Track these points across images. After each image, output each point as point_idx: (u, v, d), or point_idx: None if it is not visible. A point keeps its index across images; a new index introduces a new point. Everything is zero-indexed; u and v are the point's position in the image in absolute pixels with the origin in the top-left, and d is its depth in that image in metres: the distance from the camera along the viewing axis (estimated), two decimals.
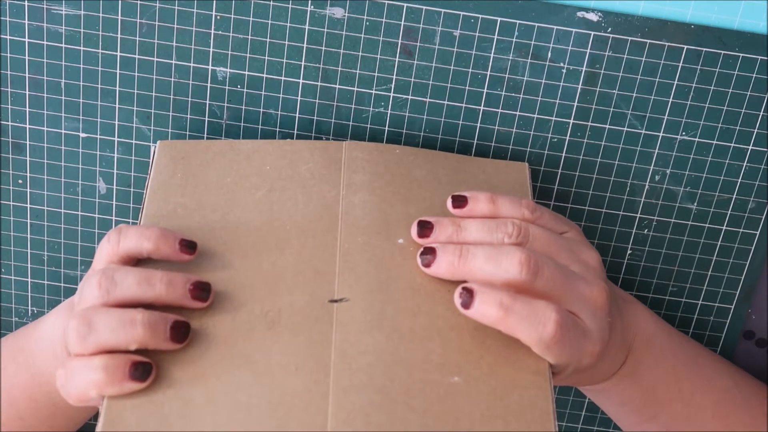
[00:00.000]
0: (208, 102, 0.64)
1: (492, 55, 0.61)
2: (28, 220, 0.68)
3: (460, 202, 0.57)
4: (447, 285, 0.54)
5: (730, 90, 0.62)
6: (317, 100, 0.64)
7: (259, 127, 0.65)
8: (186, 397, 0.48)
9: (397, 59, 0.62)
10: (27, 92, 0.64)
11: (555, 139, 0.64)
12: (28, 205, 0.68)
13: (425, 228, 0.55)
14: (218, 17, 0.61)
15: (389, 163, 0.61)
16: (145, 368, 0.48)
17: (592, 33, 0.61)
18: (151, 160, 0.62)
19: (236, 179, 0.59)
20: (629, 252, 0.68)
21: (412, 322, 0.52)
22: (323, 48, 0.62)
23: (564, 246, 0.56)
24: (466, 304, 0.51)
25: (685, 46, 0.60)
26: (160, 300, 0.51)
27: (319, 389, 0.48)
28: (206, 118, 0.65)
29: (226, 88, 0.64)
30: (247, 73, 0.63)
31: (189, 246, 0.53)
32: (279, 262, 0.54)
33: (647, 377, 0.61)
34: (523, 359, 0.51)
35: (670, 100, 0.62)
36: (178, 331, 0.50)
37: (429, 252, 0.54)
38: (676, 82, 0.62)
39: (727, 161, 0.64)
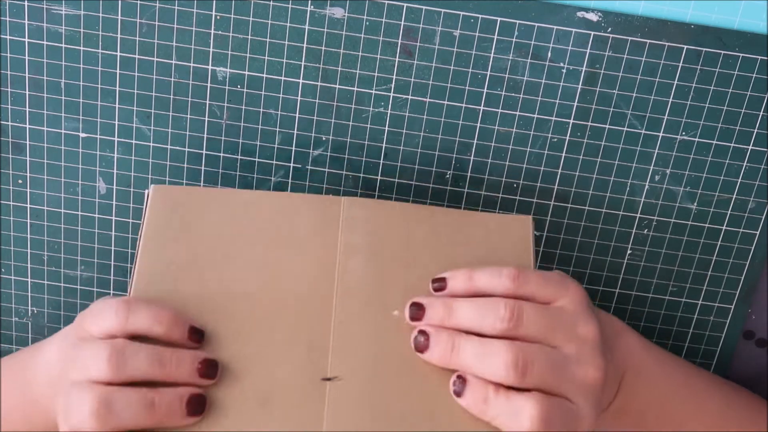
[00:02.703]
0: (208, 102, 0.64)
1: (492, 55, 0.62)
2: (28, 220, 0.69)
3: (440, 283, 0.57)
4: (438, 372, 0.54)
5: (730, 90, 0.62)
6: (317, 100, 0.64)
7: (259, 127, 0.65)
8: None
9: (397, 59, 0.62)
10: (27, 92, 0.64)
11: (555, 139, 0.64)
12: (28, 205, 0.68)
13: (418, 309, 0.55)
14: (218, 17, 0.61)
15: (388, 222, 0.60)
16: None
17: (592, 33, 0.61)
18: (144, 205, 0.60)
19: (232, 235, 0.58)
20: (629, 252, 0.68)
21: (403, 403, 0.52)
22: (323, 48, 0.62)
23: (559, 324, 0.54)
24: (459, 393, 0.52)
25: (685, 46, 0.61)
26: (169, 378, 0.51)
27: None
28: (206, 118, 0.65)
29: (226, 88, 0.64)
30: (247, 73, 0.63)
31: (197, 334, 0.53)
32: (273, 335, 0.54)
33: (637, 409, 0.61)
34: None
35: (670, 100, 0.62)
36: (195, 406, 0.51)
37: (422, 336, 0.54)
38: (676, 82, 0.62)
39: (727, 161, 0.64)
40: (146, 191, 0.60)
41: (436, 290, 0.56)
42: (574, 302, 0.56)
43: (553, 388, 0.53)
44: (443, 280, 0.56)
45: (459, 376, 0.53)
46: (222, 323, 0.54)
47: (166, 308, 0.53)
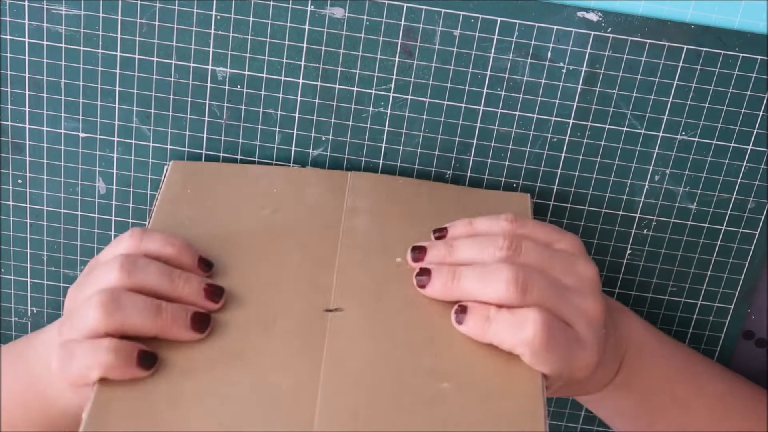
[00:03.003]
0: (208, 102, 0.64)
1: (492, 55, 0.62)
2: (28, 220, 0.68)
3: (440, 231, 0.58)
4: (442, 301, 0.54)
5: (730, 90, 0.62)
6: (317, 100, 0.64)
7: (259, 127, 0.65)
8: (175, 388, 0.49)
9: (397, 59, 0.62)
10: (27, 92, 0.64)
11: (555, 139, 0.64)
12: (28, 205, 0.68)
13: (419, 252, 0.56)
14: (218, 17, 0.61)
15: (392, 192, 0.62)
16: (152, 358, 0.49)
17: (592, 33, 0.61)
18: (162, 178, 0.63)
19: (243, 198, 0.61)
20: (629, 252, 0.68)
21: (405, 333, 0.52)
22: (323, 48, 0.62)
23: (557, 259, 0.55)
24: (460, 322, 0.52)
25: (685, 46, 0.61)
26: (176, 294, 0.52)
27: (307, 388, 0.49)
28: (206, 118, 0.65)
29: (226, 88, 0.64)
30: (247, 73, 0.63)
31: (207, 264, 0.55)
32: (277, 273, 0.55)
33: (640, 386, 0.61)
34: (516, 369, 0.51)
35: (670, 100, 0.62)
36: (199, 322, 0.51)
37: (424, 273, 0.55)
38: (675, 82, 0.62)
39: (726, 161, 0.64)
40: (165, 166, 0.64)
41: (437, 239, 0.58)
42: (573, 246, 0.57)
43: (555, 308, 0.52)
44: (444, 228, 0.58)
45: (460, 306, 0.53)
46: (228, 261, 0.56)
47: (178, 236, 0.55)
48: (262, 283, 0.55)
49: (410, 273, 0.55)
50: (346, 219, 0.59)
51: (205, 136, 0.65)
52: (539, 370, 0.51)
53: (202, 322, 0.51)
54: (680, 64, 0.61)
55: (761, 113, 0.62)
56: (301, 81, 0.63)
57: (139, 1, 0.61)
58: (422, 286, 0.54)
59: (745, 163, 0.64)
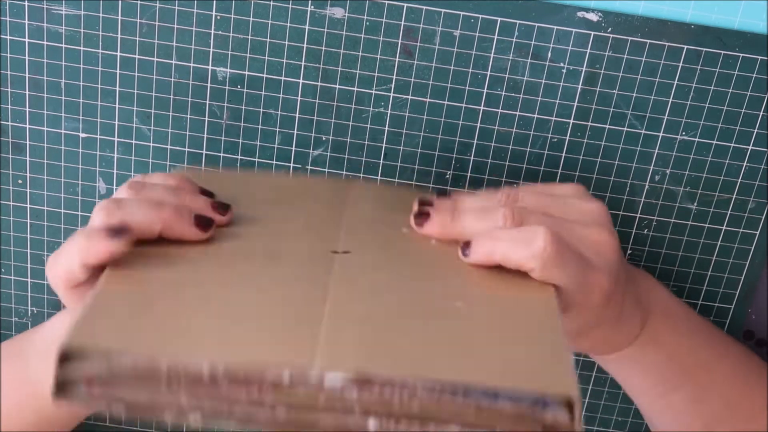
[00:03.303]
0: (208, 102, 0.64)
1: (492, 55, 0.62)
2: (28, 220, 0.69)
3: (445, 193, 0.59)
4: (449, 255, 0.54)
5: (730, 90, 0.62)
6: (317, 100, 0.64)
7: (259, 127, 0.65)
8: (179, 295, 0.48)
9: (397, 59, 0.62)
10: (27, 92, 0.64)
11: (555, 139, 0.64)
12: (28, 205, 0.68)
13: (425, 203, 0.56)
14: (218, 17, 0.61)
15: (395, 195, 0.62)
16: (125, 229, 0.48)
17: (592, 33, 0.61)
18: None
19: (247, 192, 0.60)
20: (629, 252, 0.68)
21: (414, 270, 0.52)
22: (323, 48, 0.62)
23: (558, 201, 0.55)
24: (467, 254, 0.52)
25: (685, 46, 0.61)
26: (183, 205, 0.52)
27: (315, 298, 0.48)
28: (206, 118, 0.65)
29: (226, 88, 0.64)
30: (247, 73, 0.63)
31: (209, 194, 0.55)
32: (283, 227, 0.56)
33: (669, 342, 0.61)
34: (529, 287, 0.51)
35: (670, 100, 0.62)
36: (203, 220, 0.52)
37: (423, 214, 0.55)
38: (676, 82, 0.62)
39: (727, 161, 0.64)
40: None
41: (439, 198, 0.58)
42: (573, 190, 0.57)
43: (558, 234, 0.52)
44: (448, 191, 0.59)
45: (464, 242, 0.52)
46: (233, 233, 0.55)
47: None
48: (267, 230, 0.55)
49: (417, 239, 0.55)
50: (350, 206, 0.59)
51: (205, 136, 0.65)
52: (550, 281, 0.51)
53: (205, 221, 0.52)
54: (680, 64, 0.61)
55: (761, 113, 0.62)
56: (301, 81, 0.63)
57: (139, 1, 0.61)
58: (420, 225, 0.55)
59: (745, 163, 0.64)
